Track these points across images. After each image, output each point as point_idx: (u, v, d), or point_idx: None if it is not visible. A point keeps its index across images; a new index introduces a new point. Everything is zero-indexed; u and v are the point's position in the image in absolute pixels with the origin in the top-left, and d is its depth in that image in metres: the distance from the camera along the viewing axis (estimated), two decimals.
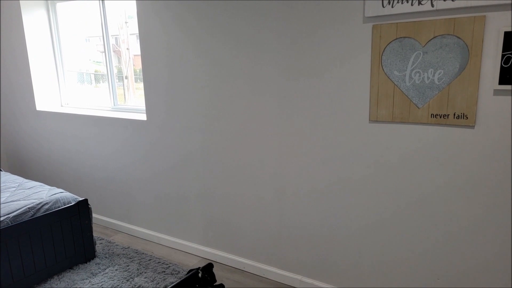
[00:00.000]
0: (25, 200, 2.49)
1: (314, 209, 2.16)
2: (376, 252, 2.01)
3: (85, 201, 2.62)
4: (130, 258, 2.69)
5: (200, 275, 2.05)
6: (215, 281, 2.12)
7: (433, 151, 1.75)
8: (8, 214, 2.31)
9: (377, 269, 2.03)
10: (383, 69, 1.78)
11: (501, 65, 1.54)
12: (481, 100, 1.61)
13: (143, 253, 2.74)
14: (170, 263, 2.61)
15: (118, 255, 2.74)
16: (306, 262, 2.26)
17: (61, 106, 3.59)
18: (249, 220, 2.44)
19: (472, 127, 1.64)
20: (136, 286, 2.36)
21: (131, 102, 3.22)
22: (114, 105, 3.21)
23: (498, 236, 1.68)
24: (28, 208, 2.39)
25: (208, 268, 2.11)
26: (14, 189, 2.71)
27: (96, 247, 2.73)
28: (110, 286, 2.36)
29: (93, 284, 2.39)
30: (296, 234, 2.26)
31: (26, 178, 3.65)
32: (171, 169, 2.71)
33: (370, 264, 2.05)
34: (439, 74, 1.67)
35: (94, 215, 3.32)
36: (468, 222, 1.74)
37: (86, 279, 2.45)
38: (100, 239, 2.96)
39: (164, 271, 2.52)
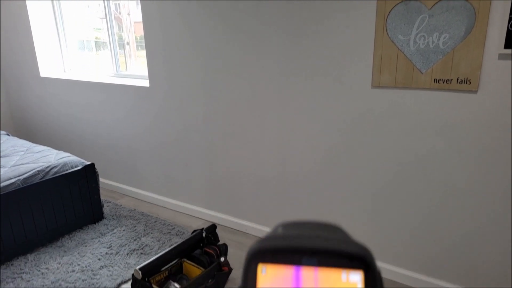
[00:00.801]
0: (34, 163, 2.55)
1: (316, 173, 2.20)
2: (377, 215, 2.06)
3: (92, 165, 2.68)
4: (136, 219, 2.77)
5: (204, 235, 2.13)
6: (218, 241, 2.19)
7: (435, 117, 1.76)
8: (19, 176, 2.38)
9: (377, 232, 2.09)
10: (387, 33, 1.77)
11: (507, 28, 1.52)
12: (485, 65, 1.60)
13: (148, 216, 2.82)
14: (175, 225, 2.69)
15: (125, 217, 2.82)
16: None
17: (64, 72, 3.59)
18: (251, 184, 2.49)
19: (475, 92, 1.65)
20: (143, 245, 2.45)
21: (133, 70, 3.21)
22: (117, 71, 3.21)
23: (496, 201, 1.72)
24: (38, 171, 2.46)
25: (212, 228, 2.18)
26: (23, 153, 2.76)
27: (103, 209, 2.81)
28: (118, 244, 2.45)
29: (102, 243, 2.48)
30: (298, 196, 2.32)
31: (34, 143, 3.70)
32: (175, 134, 2.74)
33: (372, 226, 2.10)
34: (444, 38, 1.65)
35: (101, 179, 3.39)
36: (467, 186, 1.77)
37: (96, 238, 2.54)
38: (107, 202, 3.04)
39: (169, 232, 2.60)
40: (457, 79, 1.66)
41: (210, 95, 2.48)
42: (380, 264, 2.08)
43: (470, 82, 1.64)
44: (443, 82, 1.69)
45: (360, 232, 2.15)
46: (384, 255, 2.10)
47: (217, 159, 2.60)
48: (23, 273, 2.19)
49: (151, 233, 2.60)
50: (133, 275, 1.83)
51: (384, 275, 2.12)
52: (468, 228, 1.82)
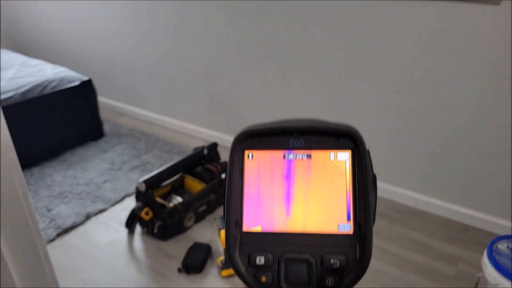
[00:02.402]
0: (31, 77, 2.50)
1: (321, 94, 2.19)
2: (386, 131, 2.09)
3: (90, 81, 2.64)
4: (137, 138, 2.80)
5: (205, 152, 2.17)
6: (220, 158, 2.24)
7: (454, 29, 1.72)
8: (17, 90, 2.35)
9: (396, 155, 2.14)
10: None
11: None
12: None
13: (149, 134, 2.85)
14: (175, 144, 2.73)
15: (126, 135, 2.85)
16: None
17: None
18: (253, 104, 2.49)
19: (498, 3, 1.58)
20: (145, 162, 2.50)
21: None
22: None
23: (507, 123, 1.74)
24: (36, 85, 2.42)
25: (213, 146, 2.21)
26: (18, 66, 2.70)
27: (103, 128, 2.82)
28: (120, 161, 2.50)
29: (104, 159, 2.53)
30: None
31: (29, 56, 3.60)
32: (174, 49, 2.67)
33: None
34: None
35: (99, 97, 3.36)
36: (479, 105, 1.78)
37: (97, 154, 2.59)
38: (107, 121, 3.05)
39: (171, 151, 2.64)
40: None
41: (212, 5, 2.37)
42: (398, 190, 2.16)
43: None
44: None
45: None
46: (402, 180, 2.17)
47: (219, 76, 2.56)
48: (30, 184, 2.25)
49: (152, 151, 2.64)
50: (137, 187, 1.89)
51: (403, 200, 2.21)
52: (475, 148, 1.86)
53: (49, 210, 2.04)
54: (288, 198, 0.37)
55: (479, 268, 1.46)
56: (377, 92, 1.99)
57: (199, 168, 2.15)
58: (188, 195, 2.07)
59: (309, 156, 0.38)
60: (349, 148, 0.38)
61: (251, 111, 2.51)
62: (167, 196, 2.04)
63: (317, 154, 0.38)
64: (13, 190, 0.49)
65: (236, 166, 0.38)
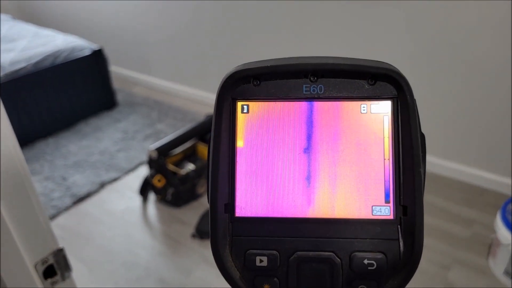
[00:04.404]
0: (43, 47, 2.50)
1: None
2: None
3: (101, 50, 2.63)
4: (150, 107, 2.80)
5: None
6: None
7: None
8: (29, 60, 2.36)
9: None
10: None
11: None
12: None
13: (162, 103, 2.84)
14: (188, 112, 2.72)
15: (139, 104, 2.85)
16: None
17: None
18: None
19: None
20: (159, 131, 2.51)
21: None
22: None
23: None
24: (47, 55, 2.42)
25: None
26: (30, 37, 2.70)
27: (117, 97, 2.83)
28: (133, 130, 2.52)
29: (117, 129, 2.55)
30: None
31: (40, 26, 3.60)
32: (186, 16, 2.62)
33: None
34: None
35: (112, 66, 3.36)
36: (498, 64, 1.70)
37: (111, 124, 2.61)
38: (120, 90, 3.05)
39: (183, 119, 2.64)
40: None
41: None
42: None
43: None
44: None
45: None
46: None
47: (233, 44, 2.51)
48: (46, 154, 2.29)
49: (165, 120, 2.64)
50: (149, 155, 1.90)
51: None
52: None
53: (65, 179, 2.08)
54: (300, 170, 0.27)
55: (494, 230, 1.43)
56: (394, 47, 1.91)
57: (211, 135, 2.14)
58: (200, 162, 2.08)
59: (331, 108, 0.27)
60: (389, 97, 0.27)
61: None
62: (179, 164, 2.05)
63: (342, 106, 0.27)
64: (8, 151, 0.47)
65: (225, 123, 0.27)
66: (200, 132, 2.12)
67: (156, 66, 3.02)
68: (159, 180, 1.87)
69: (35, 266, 0.51)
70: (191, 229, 1.76)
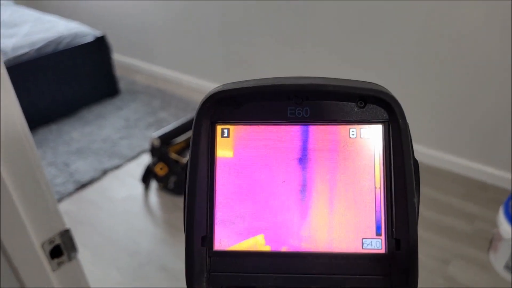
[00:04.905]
0: (45, 33, 2.49)
1: (341, 49, 2.11)
2: (399, 84, 2.02)
3: (104, 37, 2.61)
4: (152, 95, 2.79)
5: None
6: None
7: None
8: (32, 46, 2.34)
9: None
10: None
11: None
12: None
13: (164, 92, 2.83)
14: (191, 101, 2.71)
15: (141, 92, 2.84)
16: None
17: None
18: (269, 61, 2.43)
19: None
20: (161, 120, 2.50)
21: None
22: None
23: None
24: (50, 41, 2.41)
25: None
26: (32, 22, 2.68)
27: (119, 85, 2.82)
28: (136, 118, 2.51)
29: (120, 117, 2.54)
30: (316, 73, 2.26)
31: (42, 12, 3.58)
32: (190, 4, 2.60)
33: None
34: None
35: (115, 54, 3.34)
36: (499, 57, 1.69)
37: (113, 111, 2.60)
38: (122, 78, 3.03)
39: (185, 109, 2.63)
40: None
41: None
42: (415, 147, 2.11)
43: None
44: None
45: None
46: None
47: (237, 32, 2.49)
48: (49, 140, 2.29)
49: (168, 108, 2.63)
50: (151, 142, 1.89)
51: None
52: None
53: (67, 166, 2.08)
54: (286, 202, 0.25)
55: (496, 225, 1.43)
56: (389, 44, 1.90)
57: None
58: None
59: (319, 133, 0.25)
60: (380, 121, 0.25)
61: (267, 67, 2.45)
62: (182, 152, 2.05)
63: (330, 130, 0.25)
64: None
65: (203, 148, 0.26)
66: None
67: (159, 55, 3.01)
68: (161, 168, 1.87)
69: (42, 246, 0.51)
70: None
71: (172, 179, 1.87)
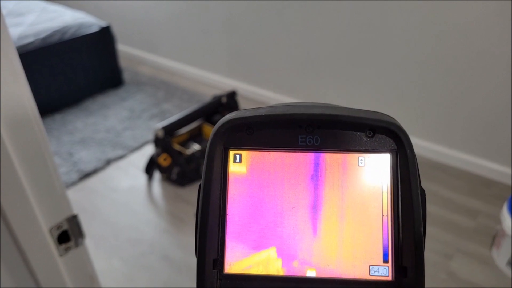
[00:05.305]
0: (51, 22, 2.48)
1: (338, 41, 2.10)
2: (404, 80, 2.01)
3: (109, 27, 2.61)
4: (156, 86, 2.79)
5: (224, 100, 2.14)
6: (238, 107, 2.22)
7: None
8: (37, 35, 2.34)
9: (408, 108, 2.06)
10: None
11: None
12: None
13: (168, 83, 2.83)
14: (195, 93, 2.71)
15: (145, 84, 2.84)
16: (329, 93, 2.31)
17: None
18: (274, 52, 2.42)
19: None
20: (165, 111, 2.50)
21: None
22: None
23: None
24: (55, 31, 2.41)
25: (232, 95, 2.18)
26: (38, 12, 2.68)
27: (123, 76, 2.82)
28: (140, 109, 2.51)
29: (124, 107, 2.54)
30: (320, 67, 2.26)
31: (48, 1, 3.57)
32: None
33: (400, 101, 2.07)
34: None
35: (120, 45, 3.33)
36: (504, 53, 1.68)
37: (117, 102, 2.60)
38: (127, 69, 3.03)
39: (189, 100, 2.63)
40: None
41: None
42: (419, 142, 2.11)
43: None
44: None
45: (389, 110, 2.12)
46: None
47: (240, 23, 2.48)
48: (53, 129, 2.29)
49: (172, 100, 2.63)
50: (155, 133, 1.90)
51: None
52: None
53: (71, 155, 2.09)
54: (298, 226, 0.26)
55: (500, 221, 1.43)
56: (392, 40, 1.89)
57: (217, 116, 2.14)
58: (206, 142, 2.08)
59: (329, 161, 0.26)
60: (388, 150, 0.26)
61: (271, 59, 2.45)
62: (185, 144, 2.05)
63: (340, 158, 0.26)
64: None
65: (216, 173, 0.26)
66: (207, 113, 2.12)
67: (164, 46, 3.00)
68: (164, 159, 1.87)
69: (50, 231, 0.51)
70: (194, 208, 1.76)
71: (175, 170, 1.87)
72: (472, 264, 1.50)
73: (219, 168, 0.26)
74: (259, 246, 0.25)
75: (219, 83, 2.79)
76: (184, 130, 2.06)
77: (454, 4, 1.69)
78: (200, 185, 0.26)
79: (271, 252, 0.25)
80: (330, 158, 0.26)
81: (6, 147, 0.45)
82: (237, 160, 0.26)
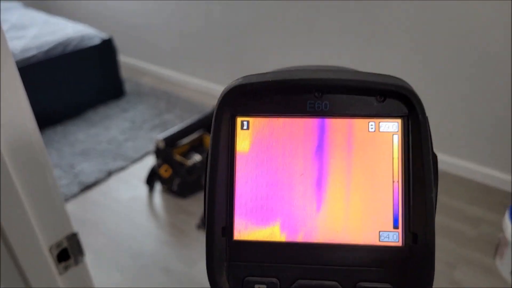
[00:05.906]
0: (53, 35, 2.50)
1: (347, 45, 2.11)
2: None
3: (111, 39, 2.63)
4: (158, 97, 2.80)
5: None
6: None
7: None
8: (40, 48, 2.36)
9: None
10: None
11: None
12: None
13: (170, 94, 2.84)
14: (196, 103, 2.72)
15: (147, 94, 2.85)
16: None
17: None
18: (276, 63, 2.43)
19: None
20: (166, 122, 2.51)
21: None
22: None
23: None
24: (57, 43, 2.43)
25: None
26: (40, 25, 2.71)
27: (125, 87, 2.83)
28: (141, 120, 2.52)
29: (125, 118, 2.55)
30: None
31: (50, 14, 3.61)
32: (196, 7, 2.61)
33: None
34: None
35: (121, 56, 3.36)
36: (506, 60, 1.68)
37: (119, 113, 2.61)
38: (128, 80, 3.05)
39: (191, 110, 2.64)
40: None
41: None
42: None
43: None
44: None
45: None
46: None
47: (241, 37, 2.50)
48: (54, 142, 2.30)
49: (173, 110, 2.64)
50: (156, 144, 1.90)
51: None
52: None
53: (72, 167, 2.09)
54: (306, 192, 0.25)
55: (502, 229, 1.42)
56: (391, 47, 1.90)
57: None
58: (207, 153, 2.08)
59: (338, 126, 0.25)
60: (399, 115, 0.25)
61: (272, 68, 2.45)
62: (186, 154, 2.05)
63: (349, 124, 0.25)
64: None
65: (224, 140, 0.26)
66: (208, 123, 2.12)
67: (165, 57, 3.02)
68: (165, 170, 1.87)
69: (50, 249, 0.51)
70: (196, 220, 1.76)
71: (176, 181, 1.87)
72: (475, 273, 1.49)
73: (226, 136, 0.26)
74: (265, 218, 0.25)
75: (220, 93, 2.80)
76: (185, 140, 2.06)
77: (455, 4, 1.70)
78: (207, 153, 0.26)
79: (275, 227, 0.25)
80: (339, 124, 0.25)
81: (6, 165, 0.45)
82: (245, 127, 0.26)
